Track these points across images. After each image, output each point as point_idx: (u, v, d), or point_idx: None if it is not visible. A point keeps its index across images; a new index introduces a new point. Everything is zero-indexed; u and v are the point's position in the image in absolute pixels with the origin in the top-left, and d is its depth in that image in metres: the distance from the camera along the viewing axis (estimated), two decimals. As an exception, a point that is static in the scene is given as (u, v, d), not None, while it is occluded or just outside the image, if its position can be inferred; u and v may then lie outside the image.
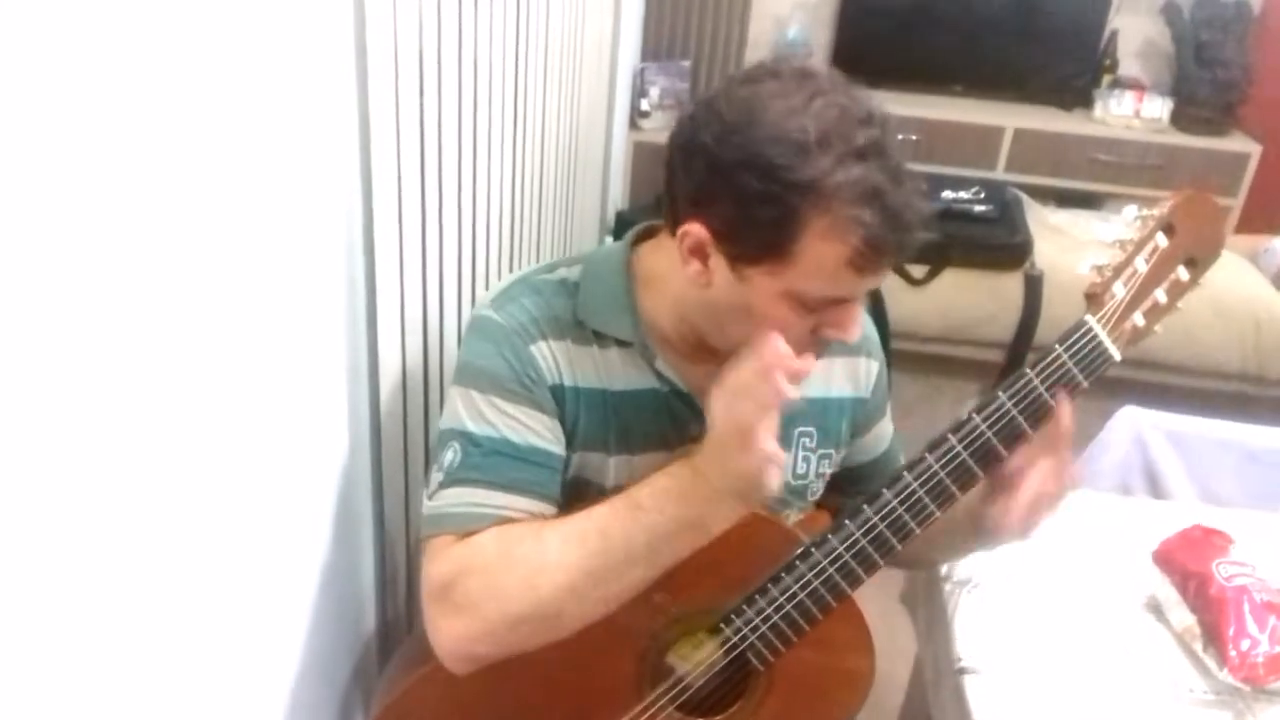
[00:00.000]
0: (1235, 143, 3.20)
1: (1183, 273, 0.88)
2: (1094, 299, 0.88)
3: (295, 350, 0.90)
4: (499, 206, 1.39)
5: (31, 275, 0.53)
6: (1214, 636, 1.03)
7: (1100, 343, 0.87)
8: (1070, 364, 0.87)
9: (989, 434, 0.86)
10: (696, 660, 0.94)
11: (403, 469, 1.17)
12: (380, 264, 1.02)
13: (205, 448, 0.75)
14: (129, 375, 0.64)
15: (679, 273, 0.88)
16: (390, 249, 1.03)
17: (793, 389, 0.76)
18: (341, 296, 0.98)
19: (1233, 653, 1.00)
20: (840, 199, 0.76)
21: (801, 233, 0.77)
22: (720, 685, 0.98)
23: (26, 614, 0.57)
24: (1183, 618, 1.08)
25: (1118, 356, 0.88)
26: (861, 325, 0.86)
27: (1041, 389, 0.86)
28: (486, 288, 1.37)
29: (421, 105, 1.05)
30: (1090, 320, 0.87)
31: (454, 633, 0.85)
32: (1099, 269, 0.89)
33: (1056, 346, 0.87)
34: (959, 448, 0.86)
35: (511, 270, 1.52)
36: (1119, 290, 0.87)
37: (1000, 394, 0.86)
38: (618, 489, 0.94)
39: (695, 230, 0.82)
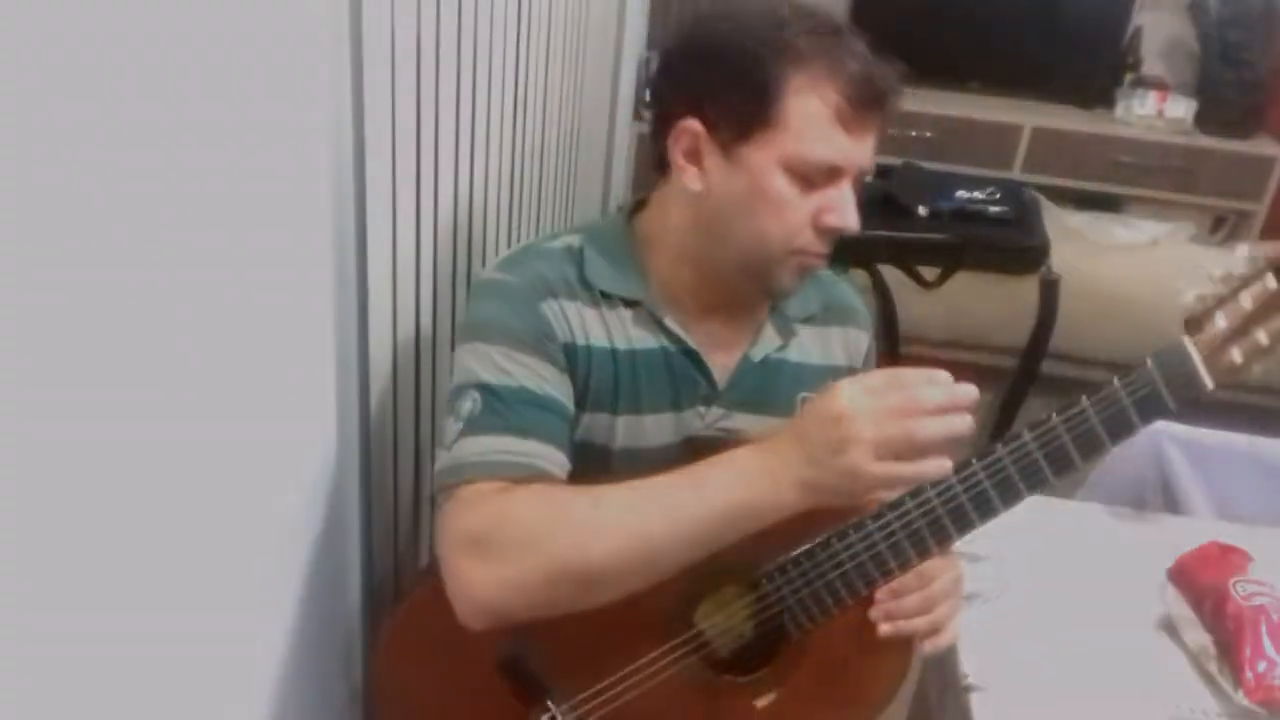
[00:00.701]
0: (1261, 146, 3.19)
1: None
2: (1193, 324, 0.87)
3: (282, 336, 0.90)
4: (496, 198, 1.39)
5: (17, 263, 0.53)
6: (1230, 657, 1.02)
7: (1194, 367, 0.85)
8: (1159, 381, 0.84)
9: (1066, 438, 0.85)
10: (727, 614, 0.95)
11: (392, 457, 1.17)
12: (372, 256, 1.01)
13: (192, 430, 0.74)
14: (120, 364, 0.63)
15: (672, 214, 0.98)
16: (383, 237, 1.03)
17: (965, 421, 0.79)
18: (330, 293, 0.98)
19: (1249, 674, 0.99)
20: (816, 54, 0.88)
21: (785, 90, 0.88)
22: (750, 646, 0.98)
23: (12, 603, 0.57)
24: (1197, 637, 1.07)
25: (1210, 385, 0.85)
26: (857, 216, 0.93)
27: (1128, 402, 0.84)
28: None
29: (418, 91, 1.04)
30: (1187, 342, 0.86)
31: (483, 579, 0.83)
32: (1202, 297, 0.87)
33: (1148, 360, 0.85)
34: (1034, 448, 0.85)
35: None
36: (1220, 321, 0.86)
37: (1084, 399, 0.85)
38: (624, 450, 0.99)
39: (687, 125, 0.92)
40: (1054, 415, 0.85)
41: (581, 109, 1.88)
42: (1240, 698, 1.00)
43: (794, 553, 0.91)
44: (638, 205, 1.04)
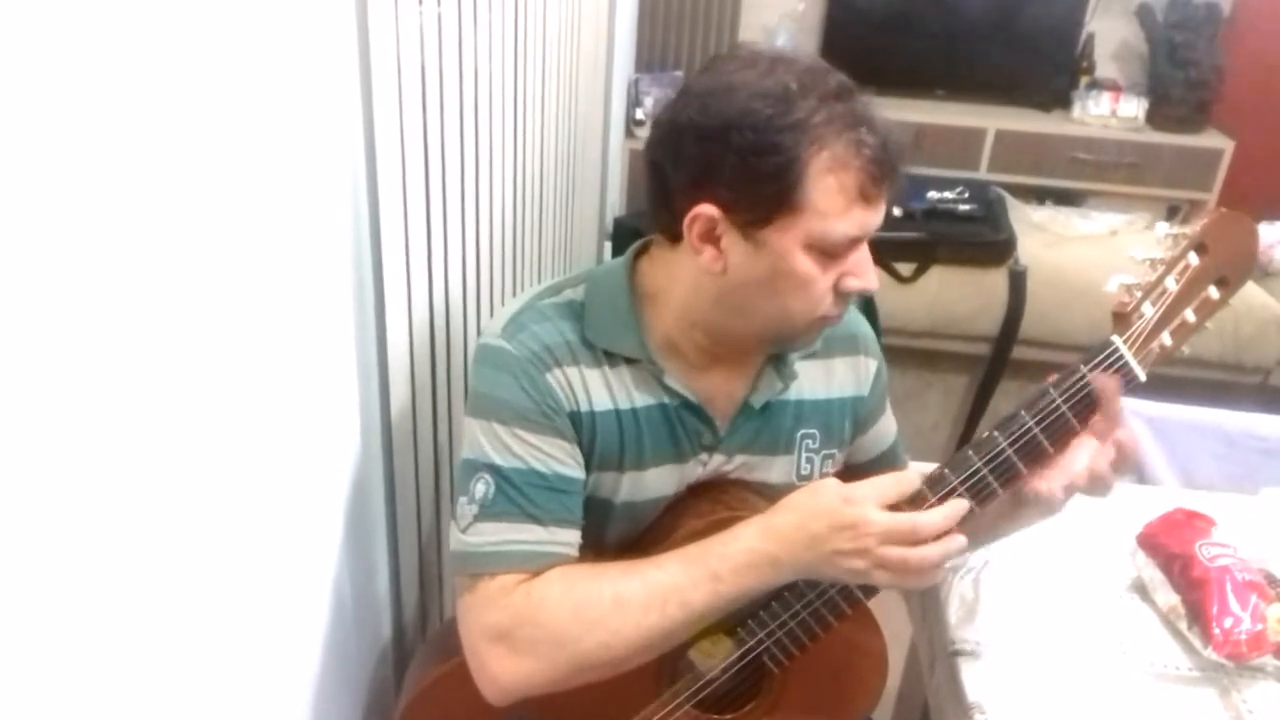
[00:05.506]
0: (1209, 139, 3.19)
1: (1213, 291, 0.84)
2: (1121, 319, 0.83)
3: (309, 360, 0.89)
4: (501, 214, 1.39)
5: (50, 281, 0.53)
6: (1198, 615, 1.02)
7: (1125, 363, 0.82)
8: (1094, 384, 0.82)
9: (1009, 452, 0.83)
10: (714, 660, 0.93)
11: (413, 474, 1.17)
12: (388, 271, 1.01)
13: (229, 458, 0.74)
14: (162, 389, 0.63)
15: (683, 281, 0.88)
16: (396, 256, 1.03)
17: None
18: (350, 303, 0.98)
19: (1216, 630, 0.99)
20: (833, 130, 0.78)
21: (805, 173, 0.78)
22: (736, 685, 0.97)
23: (41, 622, 0.57)
24: (1167, 598, 1.07)
25: (1143, 377, 0.83)
26: (875, 275, 0.87)
27: (1064, 408, 0.82)
28: (490, 293, 1.37)
29: (425, 118, 1.04)
30: (1116, 340, 0.83)
31: (511, 670, 0.83)
32: (1128, 288, 0.84)
33: (1081, 367, 0.83)
34: (979, 465, 0.83)
35: (514, 275, 1.51)
36: (1148, 310, 0.83)
37: (1023, 412, 0.83)
38: (625, 503, 0.94)
39: (703, 210, 0.81)
40: (995, 433, 0.83)
41: (576, 129, 1.88)
42: (1209, 653, 1.00)
43: (767, 598, 0.89)
44: (642, 249, 0.96)
